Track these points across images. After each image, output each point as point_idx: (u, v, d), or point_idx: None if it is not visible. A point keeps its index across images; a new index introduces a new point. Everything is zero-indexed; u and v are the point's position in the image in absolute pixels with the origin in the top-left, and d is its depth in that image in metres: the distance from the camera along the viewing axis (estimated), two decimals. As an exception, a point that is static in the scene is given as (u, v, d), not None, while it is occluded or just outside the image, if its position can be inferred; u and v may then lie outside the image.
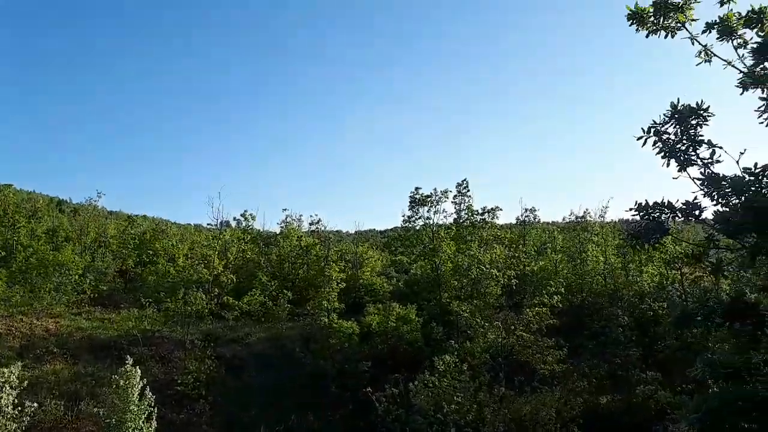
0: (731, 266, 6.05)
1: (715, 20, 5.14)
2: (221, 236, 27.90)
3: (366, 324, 22.43)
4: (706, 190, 5.05)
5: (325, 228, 30.63)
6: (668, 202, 5.19)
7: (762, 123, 4.87)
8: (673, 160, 5.21)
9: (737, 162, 4.83)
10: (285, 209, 35.05)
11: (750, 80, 4.84)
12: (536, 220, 29.05)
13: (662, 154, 5.29)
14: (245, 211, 31.00)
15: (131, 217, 35.79)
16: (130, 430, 11.99)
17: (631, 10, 5.36)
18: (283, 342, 22.40)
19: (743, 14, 5.04)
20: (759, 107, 4.91)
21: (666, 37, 5.32)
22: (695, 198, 5.19)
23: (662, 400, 13.85)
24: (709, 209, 5.25)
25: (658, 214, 5.34)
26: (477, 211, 26.68)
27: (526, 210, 28.74)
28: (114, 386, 12.29)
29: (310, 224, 31.25)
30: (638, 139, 5.40)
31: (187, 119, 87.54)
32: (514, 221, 30.29)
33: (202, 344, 21.31)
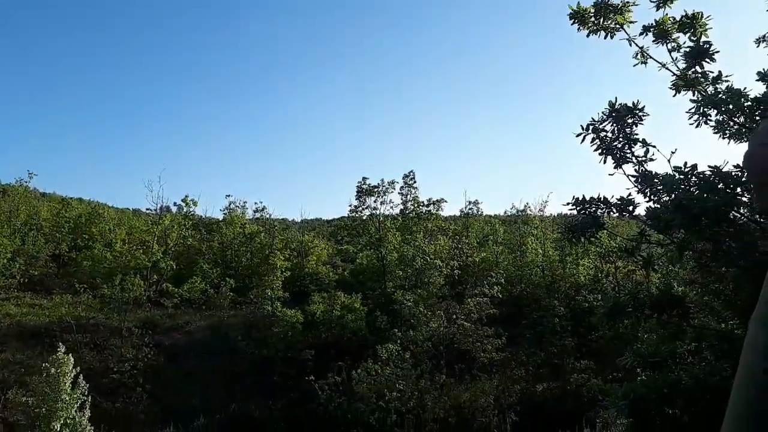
0: (661, 261, 6.34)
1: (652, 23, 5.32)
2: (161, 221, 27.08)
3: (310, 313, 22.34)
4: (639, 187, 5.25)
5: (270, 216, 30.14)
6: (604, 197, 5.38)
7: (692, 124, 5.11)
8: (609, 157, 5.38)
9: (669, 161, 5.05)
10: (228, 195, 34.16)
11: (682, 83, 5.05)
12: (479, 212, 29.59)
13: (600, 151, 5.45)
14: (186, 196, 30.10)
15: (66, 200, 34.16)
16: (62, 419, 11.55)
17: (573, 10, 5.48)
18: (224, 330, 22.03)
19: (678, 19, 5.23)
20: (689, 109, 5.15)
21: (606, 37, 5.47)
22: (629, 194, 5.39)
23: (594, 387, 14.44)
24: (642, 205, 5.48)
25: (594, 208, 5.52)
26: (423, 202, 26.99)
27: (469, 203, 29.23)
28: (45, 374, 11.77)
29: (255, 211, 30.67)
30: (578, 135, 5.56)
31: (126, 97, 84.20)
32: (458, 213, 30.74)
33: (139, 332, 20.71)
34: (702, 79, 4.98)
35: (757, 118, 4.69)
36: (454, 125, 63.20)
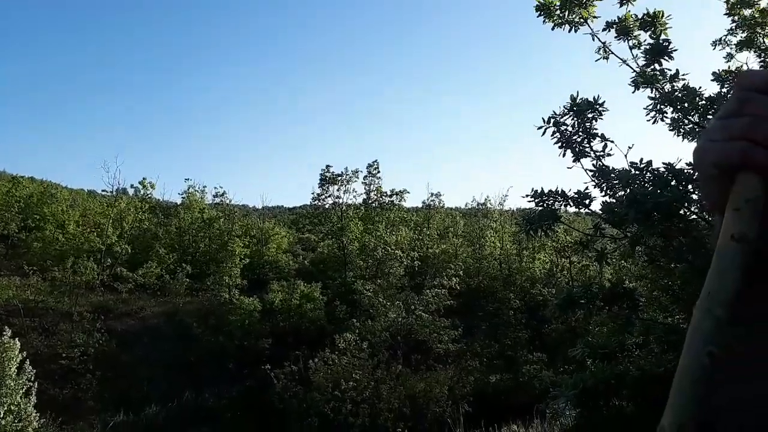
0: (614, 255, 6.47)
1: (615, 20, 5.39)
2: (117, 204, 26.36)
3: (269, 301, 22.15)
4: (596, 181, 5.32)
5: (230, 201, 29.67)
6: (562, 191, 5.43)
7: (649, 121, 5.21)
8: (569, 151, 5.43)
9: (626, 156, 5.13)
10: (188, 179, 33.31)
11: (641, 79, 5.13)
12: (441, 205, 29.78)
13: (560, 144, 5.49)
14: (144, 178, 29.36)
15: (16, 178, 32.86)
16: (5, 406, 11.14)
17: (539, 2, 5.50)
18: (180, 317, 21.64)
19: (639, 17, 5.30)
20: (647, 106, 5.25)
21: (570, 31, 5.52)
22: (586, 188, 5.46)
23: (546, 379, 14.75)
24: (599, 200, 5.56)
25: (552, 201, 5.57)
26: (386, 193, 27.03)
27: (432, 195, 29.39)
28: (-12, 359, 11.32)
29: (215, 196, 30.11)
30: (539, 128, 5.59)
31: (83, 74, 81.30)
32: (420, 205, 30.89)
33: (91, 317, 20.14)
34: (660, 77, 5.07)
35: (710, 117, 4.80)
36: (420, 117, 63.41)
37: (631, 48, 5.25)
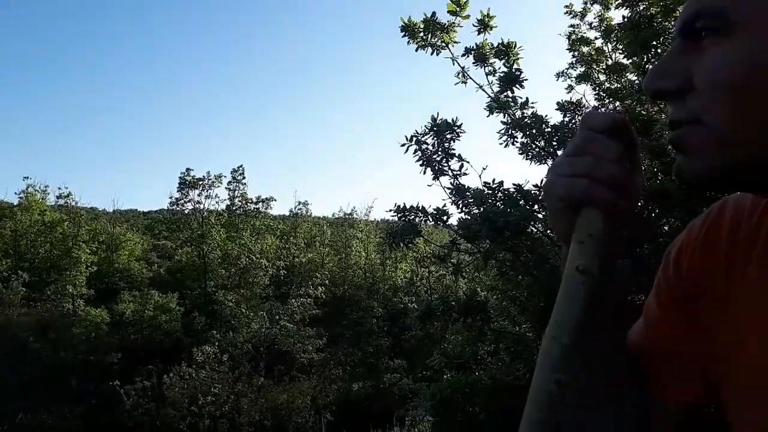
0: (468, 268, 6.85)
1: (473, 46, 5.70)
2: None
3: (119, 312, 20.64)
4: (453, 198, 5.59)
5: (76, 203, 27.17)
6: (422, 207, 5.65)
7: (501, 144, 5.61)
8: (429, 169, 5.64)
9: (480, 176, 5.45)
10: (27, 177, 29.96)
11: (495, 105, 5.49)
12: (308, 213, 29.67)
13: (421, 162, 5.69)
14: (-27, 176, 26.06)
15: None
16: None
17: (404, 23, 5.68)
18: (14, 331, 19.42)
19: (495, 45, 5.66)
20: (500, 130, 5.65)
21: (432, 53, 5.75)
22: (444, 205, 5.72)
23: (405, 387, 15.24)
24: (456, 216, 5.85)
25: (413, 216, 5.76)
26: (251, 199, 26.37)
27: (299, 203, 29.16)
28: None
29: (58, 197, 27.34)
30: (402, 145, 5.74)
31: None
32: (287, 213, 30.53)
33: None
34: (512, 104, 5.46)
35: (554, 143, 5.27)
36: (288, 124, 62.66)
37: (487, 74, 5.60)
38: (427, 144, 5.59)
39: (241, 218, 25.71)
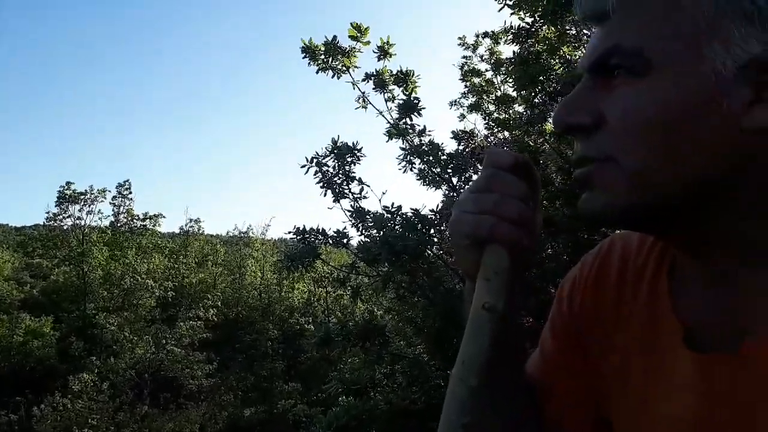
0: (368, 291, 6.88)
1: (373, 72, 5.79)
2: None
3: (-19, 339, 18.68)
4: (353, 221, 5.61)
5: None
6: (322, 229, 5.62)
7: (400, 170, 5.73)
8: (330, 191, 5.63)
9: (380, 200, 5.52)
10: None
11: (394, 131, 5.60)
12: (200, 231, 28.52)
13: (321, 184, 5.67)
14: None
15: None
16: None
17: (305, 44, 5.68)
18: None
19: (394, 72, 5.78)
20: (398, 155, 5.78)
21: (333, 77, 5.78)
22: (345, 228, 5.73)
23: (300, 412, 14.97)
24: (356, 238, 5.87)
25: (313, 238, 5.71)
26: (138, 216, 24.98)
27: (191, 220, 27.96)
28: None
29: None
30: (302, 167, 5.70)
31: None
32: (177, 230, 29.16)
33: None
34: (410, 131, 5.60)
35: (449, 170, 5.46)
36: (181, 139, 60.05)
37: (386, 101, 5.70)
38: (328, 166, 5.58)
39: (127, 236, 24.26)
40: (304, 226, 5.68)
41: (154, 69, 60.15)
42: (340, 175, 5.58)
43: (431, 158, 5.47)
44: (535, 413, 0.90)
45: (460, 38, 7.91)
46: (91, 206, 23.69)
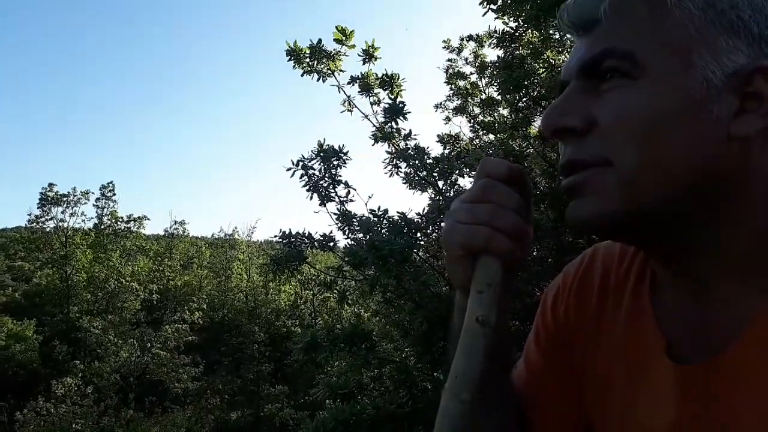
0: (354, 294, 6.88)
1: (359, 75, 5.79)
2: None
3: (-39, 344, 18.42)
4: (340, 225, 5.59)
5: None
6: (308, 233, 5.60)
7: (386, 173, 5.73)
8: (316, 195, 5.61)
9: (366, 204, 5.51)
10: None
11: (380, 135, 5.60)
12: (185, 233, 28.29)
13: (307, 187, 5.64)
14: None
15: None
16: None
17: (289, 47, 5.65)
18: None
19: (380, 76, 5.78)
20: (384, 159, 5.77)
21: (318, 80, 5.76)
22: (331, 231, 5.71)
23: (287, 416, 14.91)
24: (342, 242, 5.86)
25: (299, 242, 5.69)
26: (122, 218, 24.77)
27: (175, 222, 27.74)
28: None
29: None
30: (288, 170, 5.67)
31: None
32: (162, 233, 28.92)
33: None
34: (396, 135, 5.60)
35: (435, 174, 5.47)
36: (166, 141, 59.44)
37: (372, 104, 5.70)
38: (314, 169, 5.56)
39: (111, 238, 24.05)
40: (290, 230, 5.66)
41: (139, 69, 59.62)
42: (326, 179, 5.56)
43: (417, 162, 5.47)
44: (521, 423, 0.91)
45: (444, 41, 7.96)
46: (74, 208, 23.48)
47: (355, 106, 5.82)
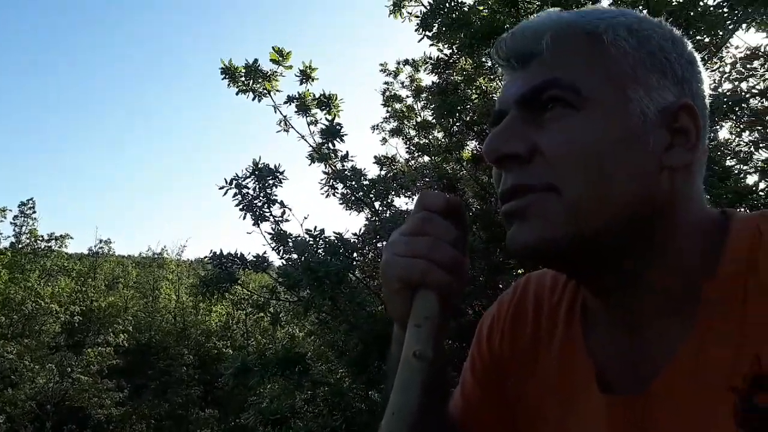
0: (288, 315, 6.77)
1: (296, 95, 5.78)
2: None
3: None
4: (274, 245, 5.51)
5: None
6: (240, 254, 5.49)
7: (323, 194, 5.72)
8: (249, 214, 5.52)
9: (302, 224, 5.46)
10: None
11: (317, 155, 5.59)
12: (111, 252, 27.07)
13: (241, 206, 5.55)
14: None
15: None
16: None
17: (224, 65, 5.59)
18: None
19: (317, 96, 5.80)
20: (321, 180, 5.77)
21: (254, 99, 5.71)
22: (265, 252, 5.63)
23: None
24: (277, 262, 5.77)
25: (230, 264, 5.57)
26: (42, 237, 23.43)
27: (100, 241, 26.50)
28: None
29: None
30: (221, 188, 5.57)
31: None
32: (86, 251, 27.55)
33: None
34: (333, 156, 5.60)
35: (372, 195, 5.50)
36: (91, 156, 56.66)
37: (309, 124, 5.69)
38: (248, 188, 5.48)
39: (29, 258, 22.67)
40: (221, 250, 5.53)
41: (60, 82, 56.85)
42: (261, 198, 5.48)
43: (354, 183, 5.49)
44: None
45: (381, 65, 8.07)
46: (-11, 226, 22.05)
47: (292, 127, 5.80)
